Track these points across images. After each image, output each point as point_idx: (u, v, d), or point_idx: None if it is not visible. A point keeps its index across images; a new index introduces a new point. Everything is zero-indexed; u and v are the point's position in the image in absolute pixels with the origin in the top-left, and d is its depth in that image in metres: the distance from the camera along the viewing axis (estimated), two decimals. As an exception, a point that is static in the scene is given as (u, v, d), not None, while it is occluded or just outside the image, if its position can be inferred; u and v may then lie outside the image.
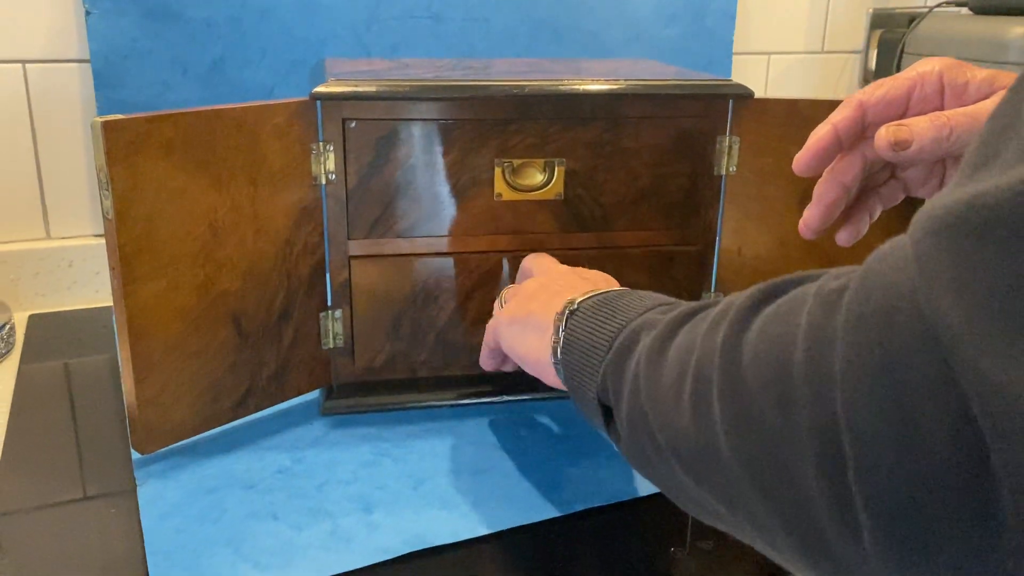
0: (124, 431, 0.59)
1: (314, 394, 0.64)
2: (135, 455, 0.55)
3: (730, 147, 0.64)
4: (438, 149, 0.60)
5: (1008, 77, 0.47)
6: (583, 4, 0.95)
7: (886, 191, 0.53)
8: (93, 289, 0.83)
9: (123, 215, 0.50)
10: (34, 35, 0.77)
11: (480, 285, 0.63)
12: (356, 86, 0.57)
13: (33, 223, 0.81)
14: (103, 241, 0.83)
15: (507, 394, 0.65)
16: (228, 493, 0.52)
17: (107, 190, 0.49)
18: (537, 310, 0.49)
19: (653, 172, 0.64)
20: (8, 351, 0.72)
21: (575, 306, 0.45)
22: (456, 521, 0.50)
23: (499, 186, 0.62)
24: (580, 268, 0.55)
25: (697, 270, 0.67)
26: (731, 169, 0.65)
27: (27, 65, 0.77)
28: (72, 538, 0.48)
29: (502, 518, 0.50)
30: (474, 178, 0.61)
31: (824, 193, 0.51)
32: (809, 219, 0.52)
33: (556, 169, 0.62)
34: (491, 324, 0.55)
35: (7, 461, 0.56)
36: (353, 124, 0.59)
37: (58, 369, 0.69)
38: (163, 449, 0.56)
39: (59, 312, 0.80)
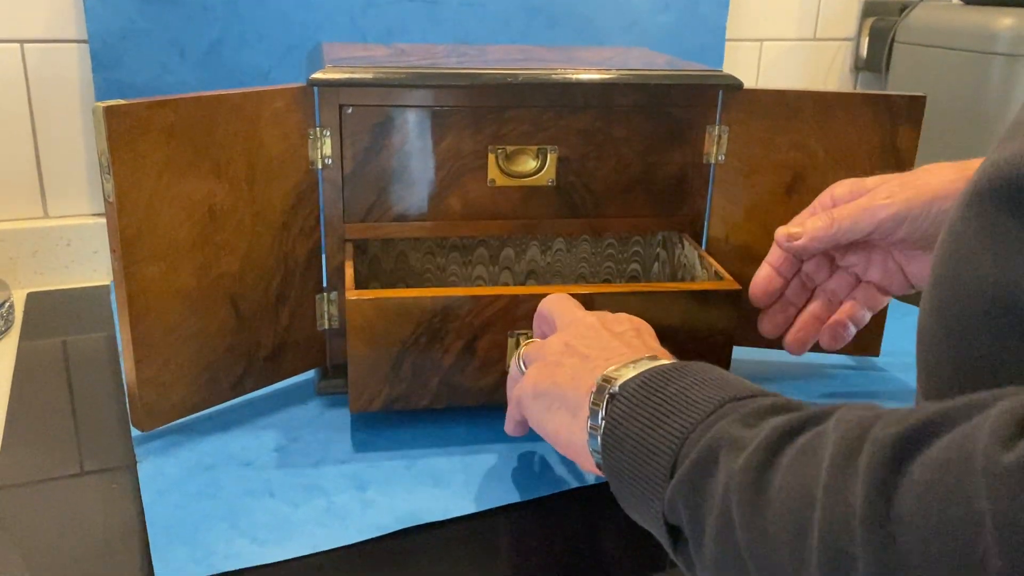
0: (123, 409, 0.60)
1: (309, 374, 0.65)
2: (135, 432, 0.57)
3: (719, 136, 0.65)
4: (433, 135, 0.61)
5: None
6: (578, -10, 0.95)
7: (834, 283, 0.61)
8: (91, 268, 0.84)
9: (124, 199, 0.51)
10: (33, 15, 0.77)
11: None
12: (353, 72, 0.58)
13: (31, 202, 0.82)
14: (101, 220, 0.84)
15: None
16: (225, 470, 0.53)
17: (108, 174, 0.50)
18: (565, 383, 0.44)
19: (643, 160, 0.65)
20: (7, 328, 0.73)
21: (616, 389, 0.40)
22: (448, 499, 0.51)
23: (492, 172, 0.63)
24: (607, 315, 0.50)
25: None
26: (720, 158, 0.66)
27: (25, 45, 0.78)
28: (72, 512, 0.50)
29: (493, 496, 0.52)
30: (468, 164, 0.63)
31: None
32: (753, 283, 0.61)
33: (548, 156, 0.64)
34: (514, 393, 0.50)
35: (8, 436, 0.57)
36: (350, 110, 0.60)
37: (57, 347, 0.71)
38: (162, 427, 0.57)
39: (57, 290, 0.81)
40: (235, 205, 0.56)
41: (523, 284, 0.71)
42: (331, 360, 0.65)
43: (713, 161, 0.66)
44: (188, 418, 0.58)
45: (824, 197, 0.58)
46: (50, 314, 0.77)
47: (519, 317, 0.56)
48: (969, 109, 0.98)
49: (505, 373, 0.56)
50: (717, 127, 0.65)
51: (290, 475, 0.53)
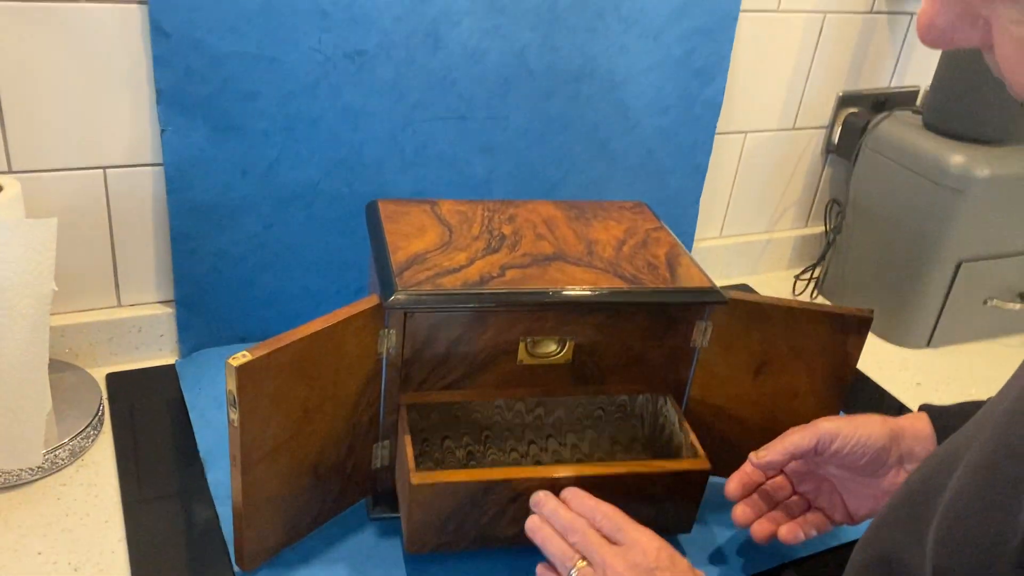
0: (222, 540, 0.76)
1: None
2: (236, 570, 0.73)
3: (706, 329, 0.80)
4: (477, 331, 0.76)
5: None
6: (588, 101, 1.07)
7: (792, 504, 0.78)
8: (157, 348, 0.97)
9: (245, 423, 0.65)
10: (114, 145, 0.87)
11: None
12: (419, 296, 0.71)
13: (108, 296, 0.94)
14: (167, 309, 0.97)
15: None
16: (314, 612, 0.70)
17: (234, 407, 0.64)
18: None
19: (643, 345, 0.80)
20: (100, 427, 0.87)
21: None
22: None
23: (521, 354, 0.78)
24: (658, 568, 0.62)
25: (668, 414, 0.85)
26: (704, 344, 0.81)
27: (108, 170, 0.88)
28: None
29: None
30: (502, 350, 0.77)
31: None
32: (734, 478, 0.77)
33: (568, 343, 0.78)
34: None
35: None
36: (413, 315, 0.73)
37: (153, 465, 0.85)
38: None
39: (130, 370, 0.95)
40: (322, 402, 0.71)
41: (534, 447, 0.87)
42: (379, 488, 0.81)
43: (698, 346, 0.81)
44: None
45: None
46: (130, 395, 0.91)
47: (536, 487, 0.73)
48: (917, 226, 1.13)
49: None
50: (704, 323, 0.80)
51: (362, 617, 0.70)
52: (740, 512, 0.76)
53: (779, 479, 0.78)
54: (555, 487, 0.72)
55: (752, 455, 0.74)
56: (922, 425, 0.72)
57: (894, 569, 0.49)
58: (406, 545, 0.73)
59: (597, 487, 0.72)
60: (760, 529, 0.75)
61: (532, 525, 0.69)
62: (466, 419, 0.82)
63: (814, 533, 0.75)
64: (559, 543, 0.66)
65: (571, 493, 0.70)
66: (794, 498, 0.78)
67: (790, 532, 0.74)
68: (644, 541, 0.64)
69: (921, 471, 0.53)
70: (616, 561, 0.62)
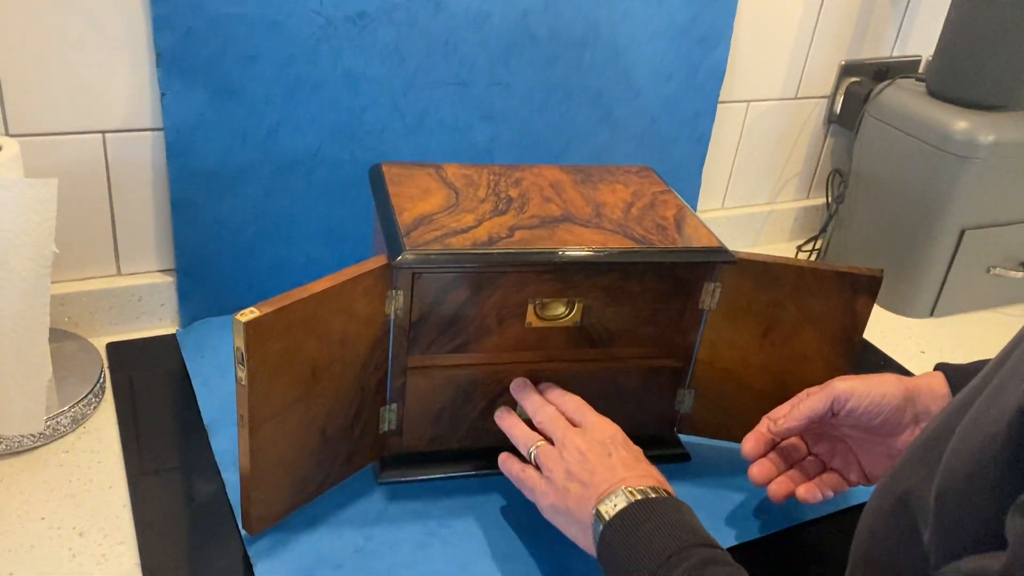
0: (228, 506, 0.75)
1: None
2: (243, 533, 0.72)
3: (713, 291, 0.80)
4: (486, 293, 0.75)
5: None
6: (592, 68, 1.05)
7: (808, 464, 0.77)
8: (158, 318, 0.96)
9: (253, 382, 0.64)
10: (113, 109, 0.86)
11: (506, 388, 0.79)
12: (428, 255, 0.70)
13: (108, 264, 0.93)
14: (167, 278, 0.96)
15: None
16: (323, 575, 0.69)
17: (242, 364, 0.63)
18: (574, 507, 0.65)
19: (651, 307, 0.80)
20: (102, 395, 0.86)
21: (607, 520, 0.61)
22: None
23: (530, 317, 0.77)
24: (613, 445, 0.68)
25: (675, 377, 0.84)
26: (712, 306, 0.81)
27: (107, 135, 0.87)
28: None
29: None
30: (511, 312, 0.76)
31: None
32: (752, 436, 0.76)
33: (576, 305, 0.77)
34: (533, 496, 0.70)
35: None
36: (421, 276, 0.72)
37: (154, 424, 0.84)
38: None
39: (131, 340, 0.94)
40: (330, 364, 0.70)
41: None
42: (388, 453, 0.80)
43: (707, 308, 0.81)
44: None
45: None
46: (130, 364, 0.90)
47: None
48: (920, 195, 1.13)
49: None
50: (713, 284, 0.80)
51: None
52: (757, 471, 0.75)
53: (794, 439, 0.78)
54: (535, 378, 0.79)
55: (769, 422, 0.74)
56: (938, 384, 0.72)
57: (911, 507, 0.49)
58: (405, 442, 0.79)
59: (572, 380, 0.79)
60: (778, 488, 0.74)
61: (500, 413, 0.78)
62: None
63: (831, 494, 0.75)
64: (523, 428, 0.75)
65: (545, 385, 0.78)
66: (809, 459, 0.77)
67: (808, 492, 0.74)
68: (604, 425, 0.71)
69: (938, 418, 0.52)
70: (576, 438, 0.70)
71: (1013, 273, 1.18)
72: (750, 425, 0.77)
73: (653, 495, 0.63)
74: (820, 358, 0.83)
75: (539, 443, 0.72)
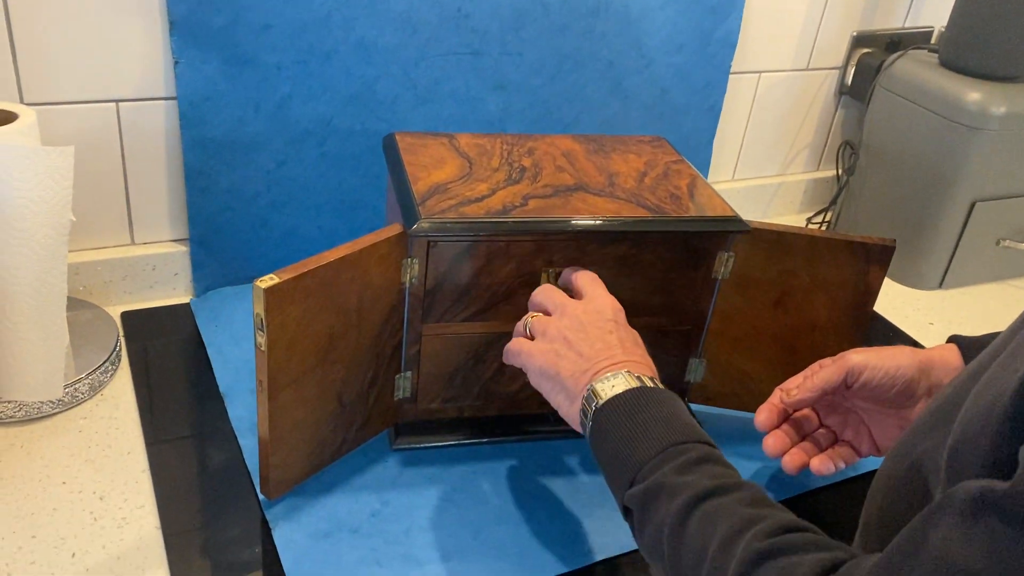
0: (245, 472, 0.76)
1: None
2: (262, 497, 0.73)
3: (727, 260, 0.80)
4: (499, 261, 0.75)
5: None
6: (603, 38, 1.05)
7: (820, 436, 0.77)
8: (171, 287, 0.97)
9: (272, 349, 0.65)
10: (127, 78, 0.86)
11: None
12: (443, 224, 0.71)
13: (121, 233, 0.93)
14: (180, 247, 0.96)
15: (535, 434, 0.83)
16: (340, 538, 0.70)
17: (262, 330, 0.64)
18: (566, 377, 0.63)
19: (664, 276, 0.80)
20: (118, 363, 0.87)
21: (602, 402, 0.60)
22: (509, 572, 0.70)
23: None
24: (615, 323, 0.66)
25: (687, 347, 0.85)
26: (725, 276, 0.81)
27: (120, 104, 0.87)
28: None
29: (544, 568, 0.70)
30: (525, 280, 0.77)
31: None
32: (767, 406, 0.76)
33: (589, 274, 0.78)
34: (521, 358, 0.68)
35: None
36: (436, 245, 0.73)
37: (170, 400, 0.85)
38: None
39: (145, 308, 0.95)
40: (346, 329, 0.71)
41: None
42: (402, 420, 0.81)
43: (720, 278, 0.81)
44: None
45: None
46: (145, 333, 0.91)
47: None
48: (931, 166, 1.13)
49: (526, 383, 0.71)
50: (726, 253, 0.80)
51: (390, 543, 0.70)
52: (771, 442, 0.75)
53: (806, 411, 0.78)
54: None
55: (782, 393, 0.74)
56: (952, 356, 0.72)
57: (923, 470, 0.49)
58: (419, 402, 0.79)
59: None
60: (791, 459, 0.75)
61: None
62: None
63: (843, 465, 0.75)
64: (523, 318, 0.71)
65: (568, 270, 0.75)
66: (821, 431, 0.78)
67: (822, 463, 0.74)
68: (608, 299, 0.68)
69: (952, 384, 0.53)
70: (576, 307, 0.67)
71: (1023, 245, 1.18)
72: (760, 395, 0.78)
73: (651, 385, 0.62)
74: (832, 328, 0.83)
75: (534, 314, 0.70)
